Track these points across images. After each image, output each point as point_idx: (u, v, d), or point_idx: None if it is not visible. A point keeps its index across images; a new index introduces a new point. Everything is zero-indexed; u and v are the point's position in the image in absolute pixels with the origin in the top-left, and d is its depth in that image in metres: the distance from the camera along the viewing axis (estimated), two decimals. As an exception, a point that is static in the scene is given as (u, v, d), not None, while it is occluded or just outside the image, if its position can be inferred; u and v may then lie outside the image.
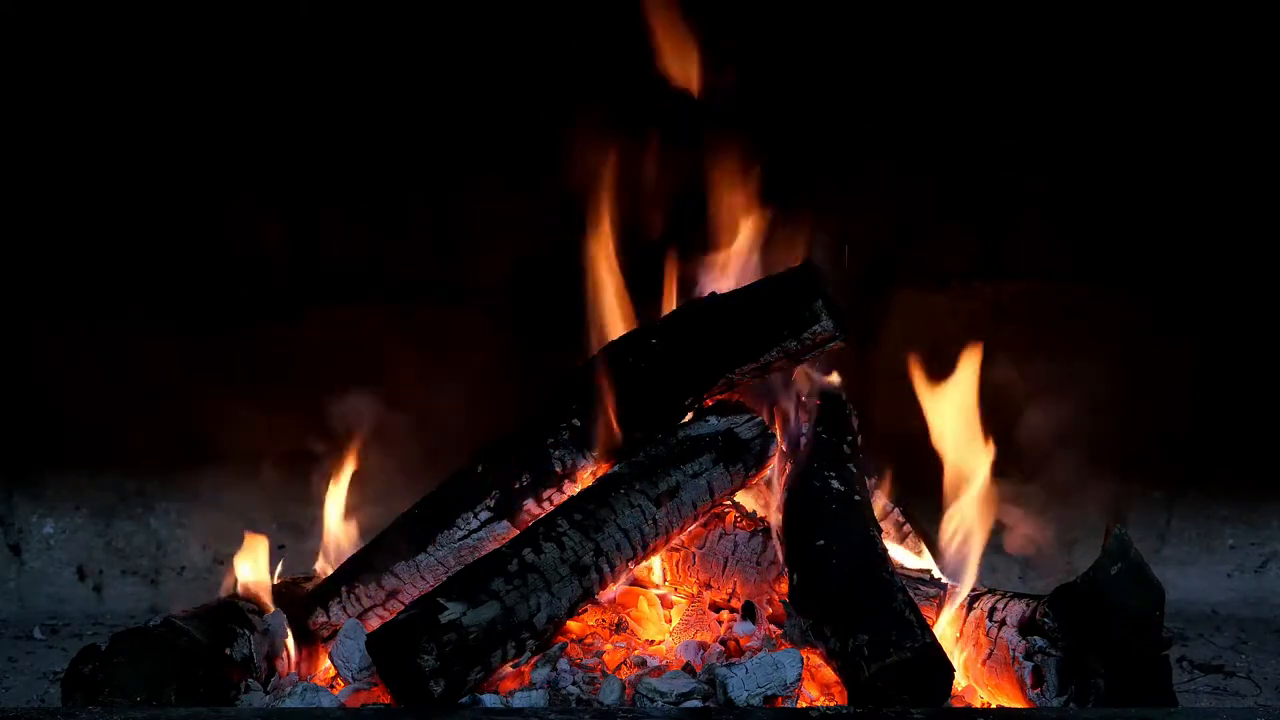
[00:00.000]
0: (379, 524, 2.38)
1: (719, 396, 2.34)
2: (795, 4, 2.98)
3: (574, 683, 2.00)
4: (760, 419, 2.31)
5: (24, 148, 3.02)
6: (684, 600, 2.33)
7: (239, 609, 2.17)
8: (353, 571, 2.28)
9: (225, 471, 3.12)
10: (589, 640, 2.17)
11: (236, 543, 2.28)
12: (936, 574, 2.26)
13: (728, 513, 2.33)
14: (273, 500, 3.09)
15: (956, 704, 2.02)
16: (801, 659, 1.95)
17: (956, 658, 2.06)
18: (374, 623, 2.16)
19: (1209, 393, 3.13)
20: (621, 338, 2.39)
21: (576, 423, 2.28)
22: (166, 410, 3.09)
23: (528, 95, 3.04)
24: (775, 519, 2.27)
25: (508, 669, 1.98)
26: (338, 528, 2.44)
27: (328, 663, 2.19)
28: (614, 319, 2.48)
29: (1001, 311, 3.13)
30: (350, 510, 2.48)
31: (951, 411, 2.38)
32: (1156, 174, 3.07)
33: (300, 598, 2.30)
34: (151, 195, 3.07)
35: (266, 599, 2.25)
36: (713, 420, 2.28)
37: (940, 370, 2.44)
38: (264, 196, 3.08)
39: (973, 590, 2.16)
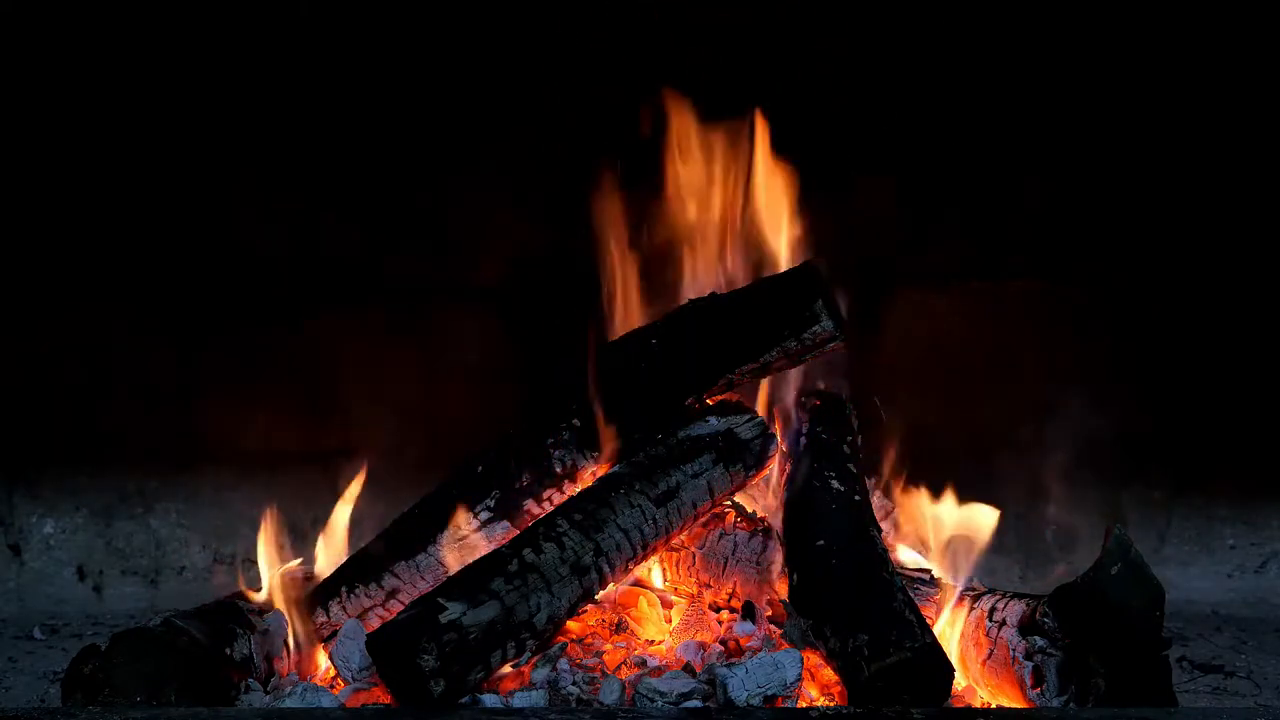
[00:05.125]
0: (379, 524, 2.38)
1: (719, 396, 2.34)
2: (795, 3, 2.99)
3: (574, 683, 2.00)
4: (760, 419, 2.31)
5: (24, 150, 3.02)
6: (684, 600, 2.33)
7: (239, 609, 2.17)
8: (353, 571, 2.28)
9: (225, 471, 3.13)
10: (589, 640, 2.17)
11: (237, 543, 2.28)
12: (936, 574, 2.26)
13: (728, 513, 2.33)
14: (273, 500, 3.09)
15: (956, 704, 2.01)
16: (801, 659, 1.95)
17: (956, 657, 2.06)
18: (374, 623, 2.16)
19: (1209, 393, 3.13)
20: (621, 337, 2.39)
21: (576, 423, 2.28)
22: (166, 410, 3.10)
23: (528, 96, 3.05)
24: (775, 519, 2.27)
25: (508, 669, 1.98)
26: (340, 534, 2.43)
27: (328, 663, 2.19)
28: (616, 318, 2.49)
29: (1001, 311, 3.14)
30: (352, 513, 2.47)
31: None
32: (1158, 175, 3.07)
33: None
34: (151, 195, 3.07)
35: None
36: (713, 420, 2.28)
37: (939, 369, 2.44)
38: (265, 197, 3.08)
39: (973, 590, 2.16)
